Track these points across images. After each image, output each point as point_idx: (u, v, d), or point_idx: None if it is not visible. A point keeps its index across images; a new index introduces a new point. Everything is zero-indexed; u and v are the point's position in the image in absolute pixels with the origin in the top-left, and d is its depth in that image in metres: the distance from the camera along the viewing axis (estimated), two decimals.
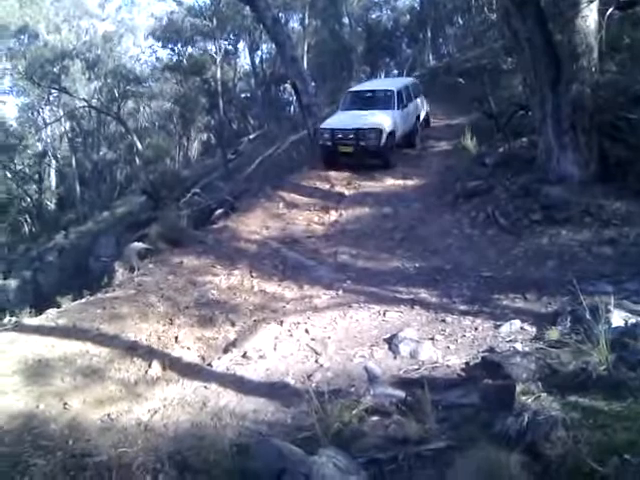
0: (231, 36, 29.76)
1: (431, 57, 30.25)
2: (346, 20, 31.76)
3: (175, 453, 4.32)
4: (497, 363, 4.40)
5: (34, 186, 30.14)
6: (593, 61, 8.50)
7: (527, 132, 10.49)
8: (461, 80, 18.78)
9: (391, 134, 12.50)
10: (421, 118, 15.07)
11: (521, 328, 5.50)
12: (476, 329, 5.73)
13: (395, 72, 31.36)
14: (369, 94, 14.23)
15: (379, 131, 12.09)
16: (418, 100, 14.86)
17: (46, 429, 4.78)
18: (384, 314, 6.44)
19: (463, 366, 4.94)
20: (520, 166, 9.61)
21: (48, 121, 28.93)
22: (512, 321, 5.63)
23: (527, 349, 4.83)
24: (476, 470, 2.83)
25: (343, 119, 13.07)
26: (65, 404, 5.11)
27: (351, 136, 12.25)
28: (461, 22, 31.11)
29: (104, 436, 4.72)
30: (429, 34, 30.49)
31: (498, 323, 5.71)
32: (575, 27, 8.30)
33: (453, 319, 6.05)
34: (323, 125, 13.06)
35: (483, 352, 5.08)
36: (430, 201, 10.32)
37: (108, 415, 5.02)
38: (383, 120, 12.47)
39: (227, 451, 4.22)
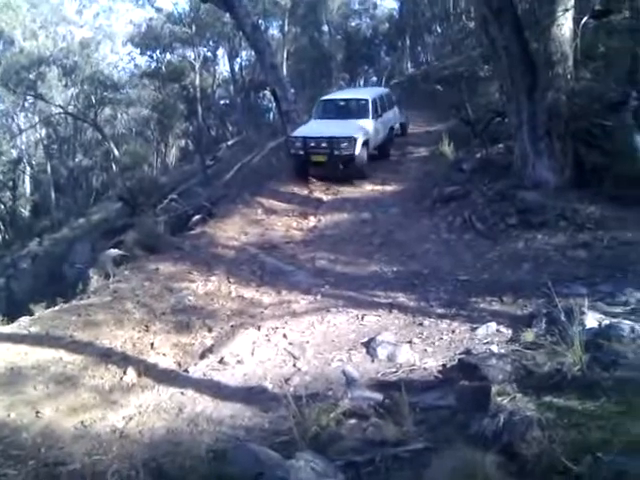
0: (210, 43, 29.71)
1: (409, 65, 30.56)
2: (325, 28, 31.98)
3: (150, 460, 4.26)
4: (473, 365, 4.41)
5: (8, 193, 29.62)
6: (568, 69, 8.67)
7: (504, 138, 10.64)
8: (439, 87, 19.01)
9: (365, 144, 12.28)
10: (395, 129, 14.98)
11: (497, 330, 5.53)
12: (453, 332, 5.75)
13: (374, 79, 31.62)
14: (343, 103, 14.08)
15: (353, 140, 11.84)
16: (392, 111, 14.67)
17: (17, 438, 4.70)
18: (362, 318, 6.43)
19: (440, 368, 4.95)
20: (497, 172, 9.74)
21: (23, 128, 28.48)
22: (488, 324, 5.66)
23: (503, 351, 4.86)
24: (452, 470, 2.82)
25: (316, 128, 12.72)
26: (37, 412, 5.02)
27: (324, 145, 11.97)
28: (439, 30, 31.49)
29: (78, 444, 4.65)
30: (408, 42, 30.83)
31: (475, 326, 5.74)
32: (551, 35, 8.46)
33: (430, 322, 6.07)
34: (294, 133, 12.72)
35: (460, 354, 5.10)
36: (408, 206, 10.39)
37: (82, 422, 4.93)
38: (357, 129, 12.28)
39: (203, 457, 4.17)
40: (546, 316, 5.23)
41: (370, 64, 33.44)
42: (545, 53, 8.60)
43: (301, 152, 12.21)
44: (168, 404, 5.16)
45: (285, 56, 28.00)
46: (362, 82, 31.58)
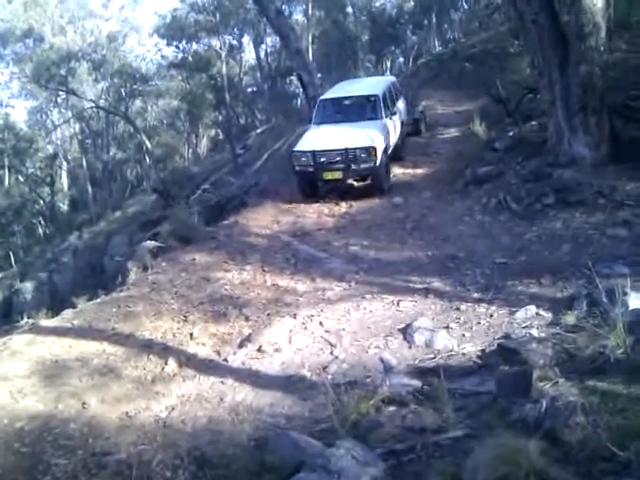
0: (235, 31, 29.72)
1: (437, 43, 30.02)
2: (350, 9, 31.58)
3: (194, 449, 4.36)
4: (513, 350, 4.37)
5: (46, 188, 30.41)
6: (601, 40, 8.37)
7: (537, 115, 10.39)
8: (468, 65, 18.62)
9: (385, 152, 10.41)
10: (405, 123, 12.83)
11: (537, 314, 5.45)
12: (491, 316, 5.69)
13: (400, 60, 31.14)
14: (349, 102, 11.66)
15: (374, 150, 9.91)
16: (400, 103, 12.69)
17: (65, 429, 4.83)
18: (398, 304, 6.42)
19: (479, 354, 4.92)
20: (531, 150, 9.52)
21: (57, 123, 29.11)
22: (527, 307, 5.58)
23: (543, 335, 4.80)
24: (495, 458, 2.81)
25: (325, 137, 10.50)
26: (84, 404, 5.16)
27: (339, 159, 10.02)
28: (466, 6, 30.81)
29: (123, 434, 4.76)
30: (434, 20, 30.22)
31: (513, 309, 5.67)
32: (582, 6, 8.17)
33: (467, 307, 6.01)
34: (299, 147, 10.54)
35: (499, 339, 5.05)
36: (440, 189, 10.26)
37: (126, 413, 5.05)
38: (375, 135, 10.30)
39: (245, 445, 4.26)
40: (587, 298, 5.12)
41: (396, 44, 32.90)
42: (576, 25, 8.30)
43: (310, 169, 10.21)
44: (209, 393, 5.25)
45: (310, 40, 27.77)
46: (389, 63, 31.15)
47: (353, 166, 9.99)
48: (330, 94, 12.41)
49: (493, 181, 9.31)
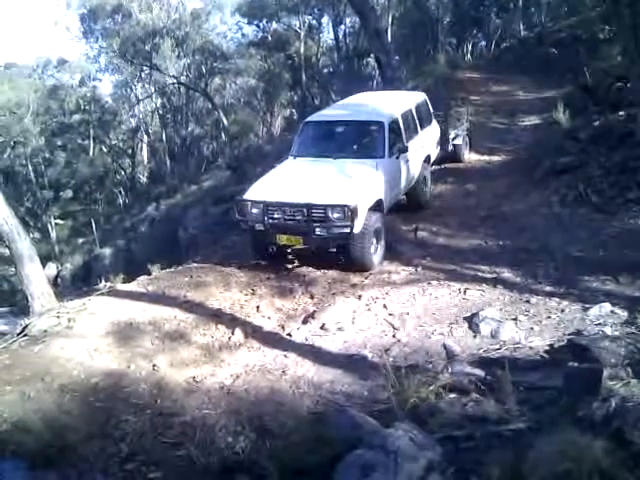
0: (315, 10, 29.61)
1: (522, 27, 28.73)
2: None
3: (255, 417, 4.51)
4: (584, 346, 4.24)
5: (128, 160, 31.78)
6: None
7: (625, 105, 9.80)
8: (554, 51, 17.82)
9: (375, 210, 7.34)
10: (432, 159, 9.79)
11: (611, 312, 5.24)
12: (562, 311, 5.52)
13: (482, 43, 30.09)
14: (341, 128, 8.51)
15: (350, 210, 6.74)
16: (428, 129, 9.50)
17: (136, 388, 5.10)
18: (464, 292, 6.33)
19: (547, 348, 4.79)
20: (616, 141, 9.03)
21: (140, 97, 30.22)
22: (602, 304, 5.37)
23: (617, 333, 4.62)
24: (558, 453, 2.75)
25: (288, 181, 7.49)
26: (154, 365, 5.42)
27: (299, 218, 6.99)
28: None
29: (189, 397, 4.98)
30: (520, 3, 28.91)
31: (586, 306, 5.47)
32: None
33: (538, 300, 5.85)
34: (248, 194, 7.40)
35: (569, 335, 4.90)
36: (517, 177, 9.93)
37: (193, 378, 5.28)
38: (360, 186, 7.19)
39: (305, 418, 4.36)
40: None
41: (479, 27, 31.77)
42: None
43: (260, 227, 7.18)
44: (272, 365, 5.39)
45: (390, 21, 27.28)
46: (470, 47, 30.15)
47: (318, 230, 6.89)
48: (320, 116, 9.16)
49: (573, 172, 8.91)
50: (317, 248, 7.24)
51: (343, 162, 7.65)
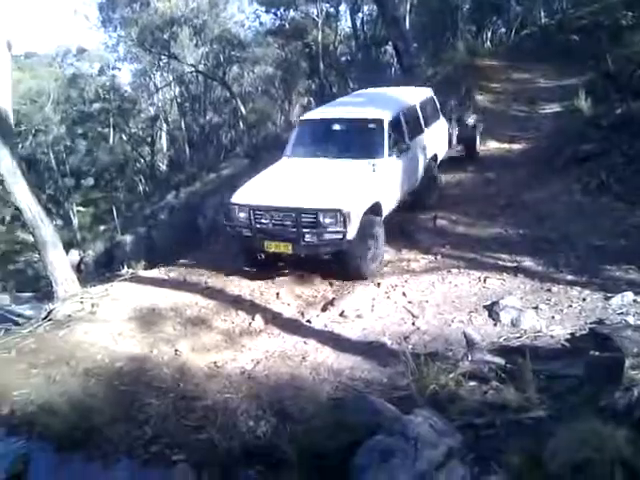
0: None
1: (542, 14, 28.22)
2: None
3: (276, 402, 4.56)
4: (606, 335, 4.20)
5: (147, 148, 31.96)
6: None
7: None
8: (575, 38, 17.49)
9: (372, 211, 6.87)
10: (439, 158, 9.39)
11: (634, 301, 5.19)
12: (584, 300, 5.48)
13: (502, 30, 29.60)
14: (339, 126, 7.93)
15: (343, 216, 6.30)
16: (435, 127, 9.08)
17: (159, 372, 5.20)
18: (484, 280, 6.31)
19: (568, 337, 4.76)
20: (639, 128, 8.87)
21: (159, 86, 30.32)
22: (624, 293, 5.32)
23: None
24: (579, 442, 2.75)
25: (275, 185, 7.05)
26: (176, 350, 5.52)
27: (288, 223, 6.52)
28: None
29: (211, 382, 5.06)
30: None
31: (609, 295, 5.42)
32: None
33: (559, 289, 5.82)
34: (236, 197, 6.93)
35: (591, 324, 4.86)
36: (537, 166, 9.81)
37: (214, 362, 5.36)
38: (355, 189, 6.71)
39: (324, 404, 4.40)
40: None
41: (499, 14, 31.29)
42: None
43: (247, 233, 6.77)
44: (292, 351, 5.45)
45: (408, 9, 26.93)
46: (490, 34, 29.71)
47: (308, 237, 6.42)
48: (317, 112, 8.78)
49: (595, 160, 8.78)
50: (307, 256, 6.75)
51: (339, 163, 7.24)
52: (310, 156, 7.67)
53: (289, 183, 6.99)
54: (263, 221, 6.62)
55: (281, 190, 6.82)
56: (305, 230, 6.39)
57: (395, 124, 7.70)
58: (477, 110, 10.49)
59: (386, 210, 7.30)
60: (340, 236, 6.33)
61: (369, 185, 6.91)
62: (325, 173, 7.08)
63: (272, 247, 6.59)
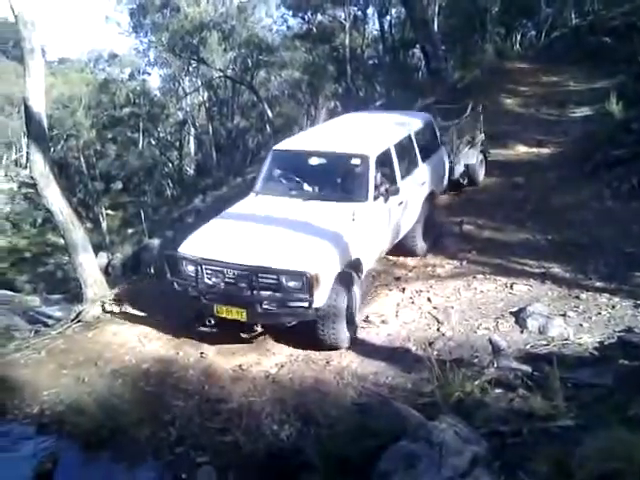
0: (360, 1, 29.42)
1: (573, 15, 27.80)
2: None
3: (300, 406, 4.59)
4: (635, 344, 4.13)
5: (175, 152, 32.38)
6: None
7: None
8: (607, 40, 17.17)
9: (350, 271, 5.64)
10: (438, 194, 8.14)
11: None
12: (613, 307, 5.39)
13: (532, 33, 29.24)
14: (316, 162, 6.62)
15: (310, 278, 5.02)
16: (433, 160, 7.74)
17: (185, 374, 5.29)
18: (511, 287, 6.24)
19: (597, 345, 4.68)
20: None
21: (188, 91, 30.74)
22: None
23: None
24: (607, 451, 2.71)
25: (232, 233, 5.84)
26: (201, 353, 5.59)
27: (242, 284, 5.26)
28: None
29: (235, 385, 5.12)
30: None
31: (638, 302, 5.33)
32: None
33: (588, 296, 5.73)
34: (183, 247, 5.71)
35: (620, 332, 4.78)
36: (566, 170, 9.64)
37: (239, 366, 5.40)
38: (325, 243, 5.43)
39: (349, 408, 4.41)
40: None
41: (528, 17, 30.92)
42: None
43: (194, 293, 5.46)
44: (316, 355, 5.45)
45: (436, 11, 26.85)
46: (519, 37, 29.40)
47: (266, 304, 5.18)
48: (293, 142, 7.32)
49: (627, 165, 8.59)
50: (265, 325, 5.59)
51: (314, 206, 6.03)
52: (282, 194, 6.43)
53: (250, 231, 5.75)
54: (213, 279, 5.37)
55: (238, 241, 5.59)
56: (263, 294, 5.16)
57: (383, 161, 6.47)
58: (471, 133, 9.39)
59: (367, 266, 6.16)
60: (305, 304, 5.10)
61: (347, 238, 5.61)
62: (296, 219, 5.83)
63: (223, 312, 5.30)
